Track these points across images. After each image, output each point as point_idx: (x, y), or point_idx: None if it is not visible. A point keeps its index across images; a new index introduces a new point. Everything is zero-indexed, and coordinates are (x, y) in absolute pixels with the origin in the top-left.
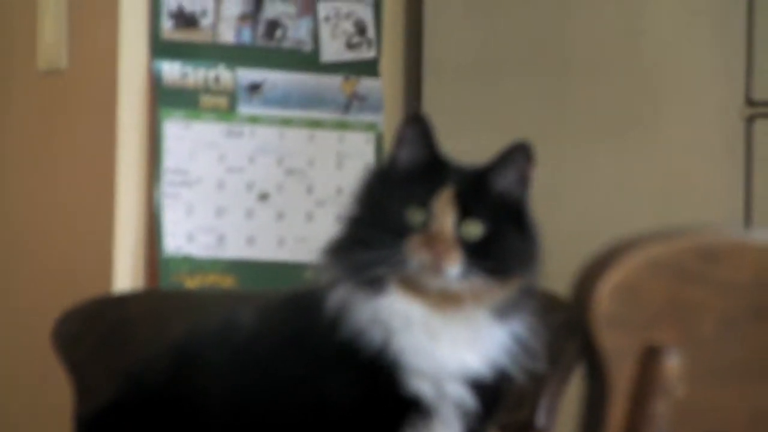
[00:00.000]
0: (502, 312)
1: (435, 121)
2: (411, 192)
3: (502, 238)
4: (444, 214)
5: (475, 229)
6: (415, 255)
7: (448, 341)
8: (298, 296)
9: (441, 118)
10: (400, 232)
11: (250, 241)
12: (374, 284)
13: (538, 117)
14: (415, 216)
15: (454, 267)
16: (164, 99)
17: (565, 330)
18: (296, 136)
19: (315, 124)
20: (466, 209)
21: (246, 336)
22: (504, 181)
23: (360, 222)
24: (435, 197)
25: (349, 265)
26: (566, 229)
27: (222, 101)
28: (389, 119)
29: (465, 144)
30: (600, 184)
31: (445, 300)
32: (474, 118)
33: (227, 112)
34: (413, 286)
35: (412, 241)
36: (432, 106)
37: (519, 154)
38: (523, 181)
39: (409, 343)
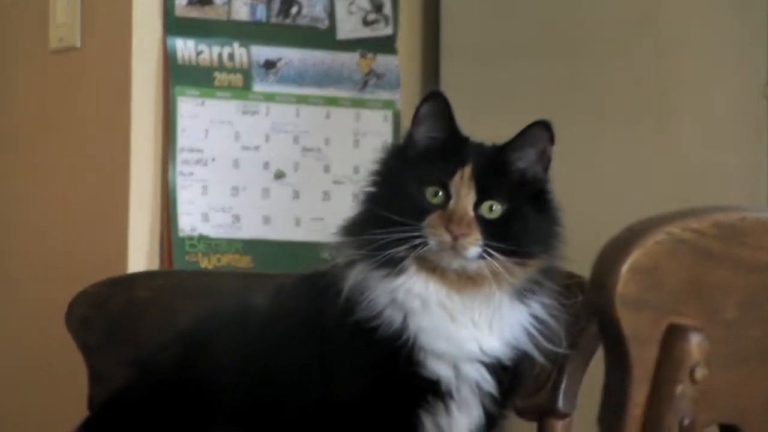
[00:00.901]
0: (522, 293)
1: (452, 100)
2: (429, 171)
3: (522, 217)
4: (463, 193)
5: (494, 209)
6: (434, 235)
7: (467, 322)
8: (314, 276)
9: (458, 96)
10: (418, 211)
11: (266, 220)
12: (392, 264)
13: (555, 99)
14: (433, 195)
15: (473, 247)
16: (178, 77)
17: (586, 311)
18: (312, 113)
19: (331, 101)
20: (485, 188)
21: (260, 317)
22: (524, 160)
23: (377, 201)
24: (454, 176)
25: (366, 245)
26: (581, 213)
27: (237, 79)
28: (406, 96)
29: (482, 123)
30: (617, 166)
31: (464, 280)
32: (491, 98)
33: (242, 90)
34: (432, 267)
35: (431, 221)
36: (449, 84)
37: (539, 133)
38: (543, 160)
39: (427, 324)
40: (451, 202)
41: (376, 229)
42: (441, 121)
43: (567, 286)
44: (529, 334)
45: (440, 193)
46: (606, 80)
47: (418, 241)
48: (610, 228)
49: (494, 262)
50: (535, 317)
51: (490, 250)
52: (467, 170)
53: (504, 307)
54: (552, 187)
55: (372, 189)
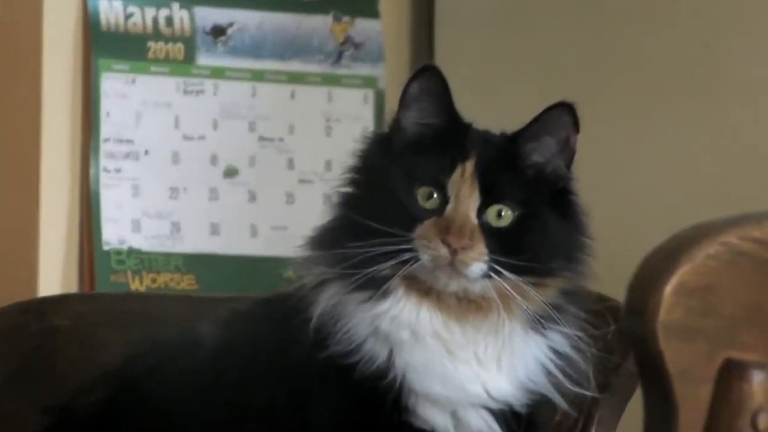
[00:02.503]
0: (539, 321)
1: (449, 76)
2: (422, 167)
3: (538, 225)
4: (464, 195)
5: (504, 215)
6: (427, 248)
7: (468, 358)
8: (274, 301)
9: (456, 71)
10: (408, 218)
11: (214, 229)
12: (375, 285)
13: (575, 75)
14: (426, 198)
15: (476, 263)
16: (102, 47)
17: (621, 343)
18: (273, 94)
19: (297, 78)
20: (492, 189)
21: (208, 353)
22: (541, 153)
23: (356, 206)
24: (453, 174)
25: (342, 261)
26: (612, 219)
27: (177, 49)
28: (392, 72)
29: (485, 105)
30: (653, 159)
31: (466, 305)
32: (497, 74)
33: (183, 64)
34: (425, 288)
35: (424, 231)
36: (445, 57)
37: (560, 118)
38: (566, 152)
39: (418, 360)
40: (449, 207)
41: (354, 241)
42: (436, 104)
43: (596, 312)
44: (548, 373)
45: (435, 195)
46: (635, 52)
47: (407, 256)
48: (648, 238)
49: (503, 283)
50: (556, 351)
51: (497, 267)
52: (469, 166)
53: (516, 338)
54: (576, 186)
55: (349, 190)
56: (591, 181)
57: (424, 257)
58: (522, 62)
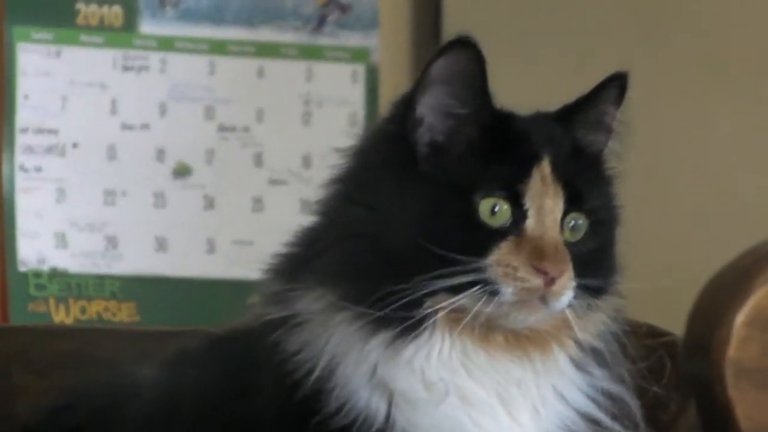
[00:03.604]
0: (586, 353)
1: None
2: (479, 170)
3: (605, 233)
4: (548, 206)
5: (579, 226)
6: (516, 278)
7: (498, 414)
8: (231, 338)
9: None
10: (472, 238)
11: (161, 244)
12: (405, 321)
13: (621, 41)
14: (492, 211)
15: (568, 292)
16: (17, 11)
17: (678, 388)
18: (236, 70)
19: (267, 50)
20: (575, 196)
21: (145, 406)
22: (600, 139)
23: (370, 219)
24: (530, 178)
25: (381, 297)
26: (664, 222)
27: (114, 14)
28: (389, 42)
29: (505, 79)
30: (713, 153)
31: (513, 342)
32: (517, 38)
33: (122, 32)
34: (470, 325)
35: (505, 255)
36: (456, 21)
37: (616, 95)
38: (619, 136)
39: (429, 422)
40: (530, 222)
41: (388, 270)
42: (472, 88)
43: (647, 349)
44: (592, 420)
45: (504, 208)
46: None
47: (483, 289)
48: (712, 252)
49: (579, 311)
50: (602, 392)
51: (579, 293)
52: (545, 167)
53: (560, 380)
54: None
55: (343, 196)
56: (635, 176)
57: (508, 290)
58: (546, 27)
